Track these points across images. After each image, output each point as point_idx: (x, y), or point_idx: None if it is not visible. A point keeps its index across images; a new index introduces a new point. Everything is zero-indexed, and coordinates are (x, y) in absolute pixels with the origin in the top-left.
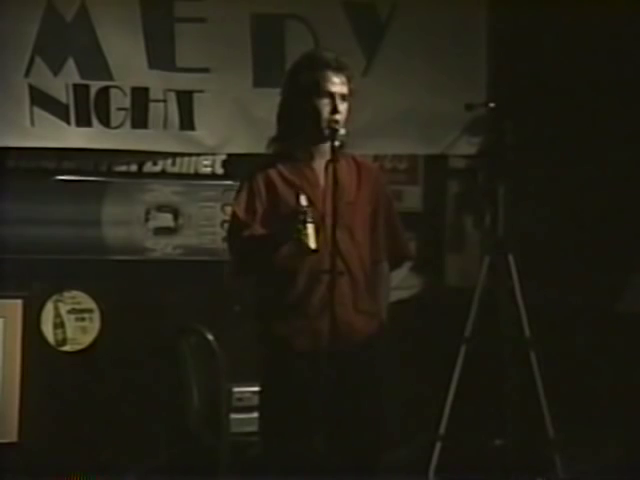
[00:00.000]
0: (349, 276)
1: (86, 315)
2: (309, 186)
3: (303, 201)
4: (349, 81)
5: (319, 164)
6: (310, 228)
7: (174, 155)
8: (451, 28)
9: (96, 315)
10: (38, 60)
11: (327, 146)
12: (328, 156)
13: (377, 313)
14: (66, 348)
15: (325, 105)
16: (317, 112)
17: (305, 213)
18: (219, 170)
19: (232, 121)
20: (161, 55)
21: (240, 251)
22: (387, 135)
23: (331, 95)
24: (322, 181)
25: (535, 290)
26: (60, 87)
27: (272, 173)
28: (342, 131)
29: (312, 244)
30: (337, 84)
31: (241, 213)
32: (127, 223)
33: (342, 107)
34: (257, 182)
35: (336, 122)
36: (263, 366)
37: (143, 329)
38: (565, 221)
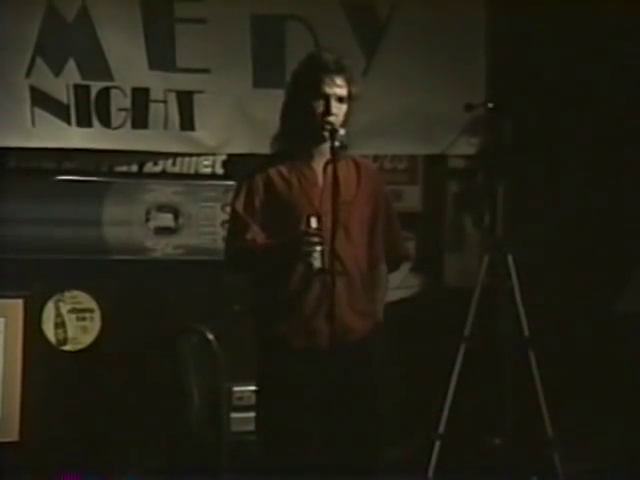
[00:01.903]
0: (345, 275)
1: (87, 315)
2: (308, 185)
3: (314, 223)
4: (348, 83)
5: (318, 164)
6: (318, 251)
7: (174, 155)
8: (450, 28)
9: (97, 315)
10: (39, 61)
11: (327, 146)
12: (328, 156)
13: (374, 313)
14: (67, 348)
15: (320, 106)
16: (313, 113)
17: (315, 235)
18: (219, 170)
19: (232, 121)
20: (161, 56)
21: (235, 250)
22: (387, 135)
23: (326, 97)
24: (321, 181)
25: (534, 290)
26: (61, 88)
27: (271, 172)
28: (342, 132)
29: (318, 264)
30: (333, 86)
31: (240, 209)
32: (128, 223)
33: (338, 109)
34: (256, 180)
35: (329, 123)
36: (261, 365)
37: (143, 329)
38: (564, 221)
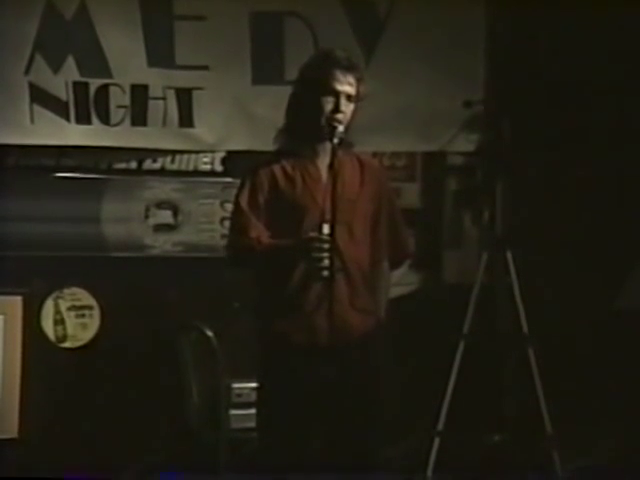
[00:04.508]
0: (346, 273)
1: (86, 312)
2: (311, 182)
3: (326, 229)
4: (358, 82)
5: (323, 161)
6: (327, 259)
7: (173, 152)
8: (449, 25)
9: (96, 312)
10: (38, 58)
11: (330, 143)
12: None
13: (375, 311)
14: (66, 345)
15: (329, 103)
16: (320, 109)
17: (326, 242)
18: (218, 167)
19: (231, 118)
20: (160, 53)
21: (239, 247)
22: (385, 132)
23: (336, 94)
24: (325, 178)
25: (533, 287)
26: (60, 85)
27: (275, 168)
28: (340, 128)
29: (325, 273)
30: (344, 83)
31: (244, 205)
32: (127, 220)
33: (346, 107)
34: (260, 177)
35: (337, 121)
36: (261, 362)
37: (143, 326)
38: (563, 218)
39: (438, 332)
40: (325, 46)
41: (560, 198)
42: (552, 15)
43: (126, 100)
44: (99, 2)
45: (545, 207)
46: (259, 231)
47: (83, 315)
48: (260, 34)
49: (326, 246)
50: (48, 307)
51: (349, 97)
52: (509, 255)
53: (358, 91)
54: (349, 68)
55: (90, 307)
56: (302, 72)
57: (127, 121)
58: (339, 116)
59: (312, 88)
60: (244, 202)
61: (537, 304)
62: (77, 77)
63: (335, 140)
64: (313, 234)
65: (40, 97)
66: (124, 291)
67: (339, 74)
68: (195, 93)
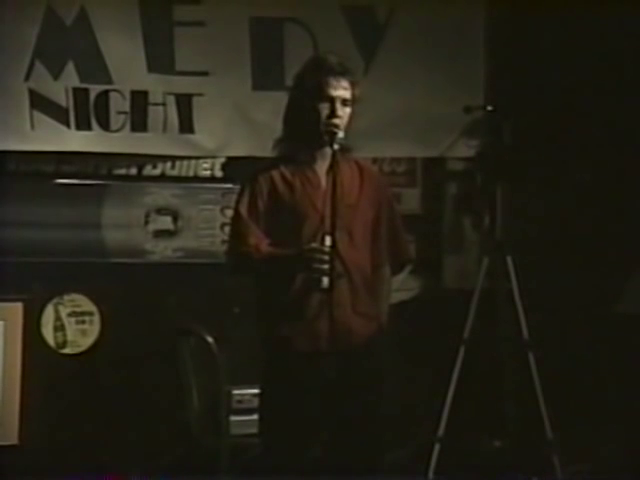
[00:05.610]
0: (348, 278)
1: (86, 318)
2: (311, 188)
3: (327, 241)
4: (352, 86)
5: (321, 167)
6: (327, 270)
7: (173, 158)
8: (449, 31)
9: (96, 318)
10: (38, 64)
11: (329, 149)
12: (330, 159)
13: (376, 316)
14: (66, 351)
15: (325, 109)
16: (317, 115)
17: (327, 253)
18: (218, 173)
19: (231, 124)
20: (160, 59)
21: (238, 254)
22: (386, 138)
23: (331, 99)
24: (324, 184)
25: (533, 291)
26: (60, 91)
27: (274, 175)
28: (340, 134)
29: (326, 284)
30: (338, 88)
31: (244, 212)
32: (127, 226)
33: (342, 112)
34: (260, 184)
35: (334, 126)
36: (263, 368)
37: (143, 332)
38: (563, 223)
39: (439, 337)
40: (317, 52)
41: (560, 203)
42: (552, 19)
43: (126, 106)
44: (99, 8)
45: (545, 212)
46: (259, 238)
47: (83, 321)
48: (260, 40)
49: (327, 257)
50: (48, 313)
51: (344, 101)
52: (509, 260)
53: (353, 94)
54: (342, 73)
55: (90, 313)
56: (296, 79)
57: (127, 127)
58: (336, 121)
59: (307, 95)
60: (244, 209)
61: (537, 309)
62: (77, 83)
63: (335, 146)
64: (315, 245)
65: (40, 103)
66: (124, 297)
67: (332, 80)
68: (195, 99)
